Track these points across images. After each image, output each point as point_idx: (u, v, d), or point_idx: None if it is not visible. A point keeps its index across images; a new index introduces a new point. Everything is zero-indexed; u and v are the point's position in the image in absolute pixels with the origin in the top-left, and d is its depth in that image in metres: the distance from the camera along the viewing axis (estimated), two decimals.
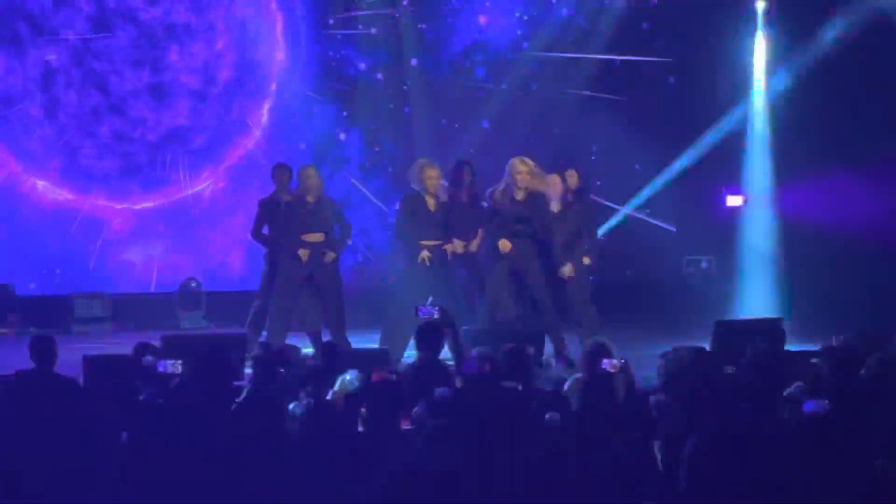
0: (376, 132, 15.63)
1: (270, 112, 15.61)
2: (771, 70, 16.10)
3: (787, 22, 15.81)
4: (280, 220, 12.52)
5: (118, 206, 15.71)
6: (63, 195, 15.60)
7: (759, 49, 16.18)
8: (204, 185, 15.64)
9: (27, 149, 15.49)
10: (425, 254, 12.12)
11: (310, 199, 12.38)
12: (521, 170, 12.25)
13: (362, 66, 15.55)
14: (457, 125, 15.65)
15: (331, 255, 12.44)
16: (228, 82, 15.46)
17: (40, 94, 15.45)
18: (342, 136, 15.64)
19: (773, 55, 16.05)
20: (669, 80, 16.12)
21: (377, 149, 15.63)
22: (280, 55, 15.58)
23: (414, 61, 15.49)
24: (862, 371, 8.46)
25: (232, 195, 15.45)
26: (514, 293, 12.44)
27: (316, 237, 12.39)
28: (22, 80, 15.41)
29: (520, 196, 12.29)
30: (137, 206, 15.70)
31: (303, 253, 12.29)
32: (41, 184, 15.50)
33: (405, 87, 15.58)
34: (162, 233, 15.68)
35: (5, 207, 15.55)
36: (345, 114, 15.62)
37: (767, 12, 15.94)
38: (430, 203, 12.27)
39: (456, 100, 15.66)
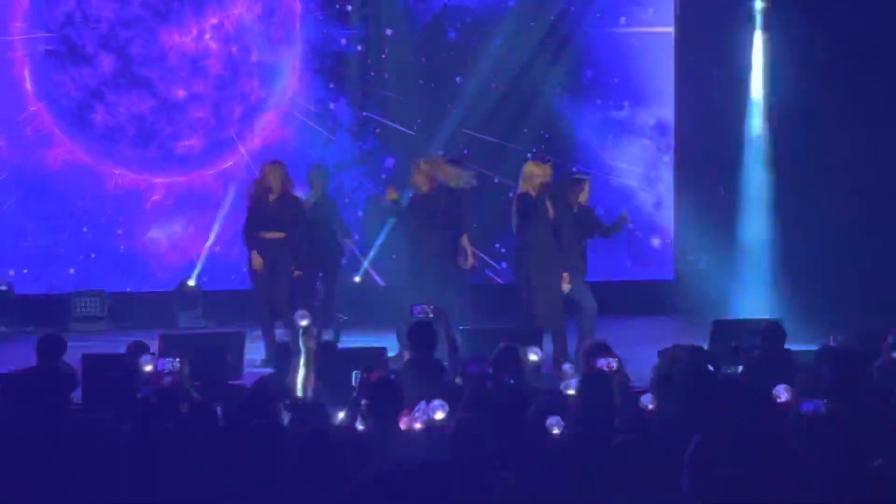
0: (361, 99, 16.38)
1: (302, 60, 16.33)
2: (769, 69, 16.09)
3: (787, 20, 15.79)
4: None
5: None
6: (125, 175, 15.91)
7: (758, 48, 16.16)
8: (261, 135, 16.16)
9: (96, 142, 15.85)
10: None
11: (272, 197, 12.56)
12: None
13: (343, 41, 16.25)
14: (433, 84, 16.36)
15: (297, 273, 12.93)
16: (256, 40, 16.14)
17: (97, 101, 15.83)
18: (331, 106, 16.28)
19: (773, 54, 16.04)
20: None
21: (364, 114, 16.33)
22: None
23: (389, 31, 16.27)
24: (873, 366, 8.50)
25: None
26: None
27: (275, 235, 12.51)
28: (80, 88, 15.76)
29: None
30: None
31: (256, 262, 12.72)
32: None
33: (383, 56, 16.30)
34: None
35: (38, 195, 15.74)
36: (331, 86, 16.23)
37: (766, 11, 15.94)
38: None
39: (430, 62, 16.35)
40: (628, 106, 16.67)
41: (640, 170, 16.75)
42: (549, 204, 12.38)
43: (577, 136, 16.53)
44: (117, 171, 15.90)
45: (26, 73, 15.71)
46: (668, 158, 16.76)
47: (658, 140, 16.76)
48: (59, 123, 15.78)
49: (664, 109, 16.70)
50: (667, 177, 16.81)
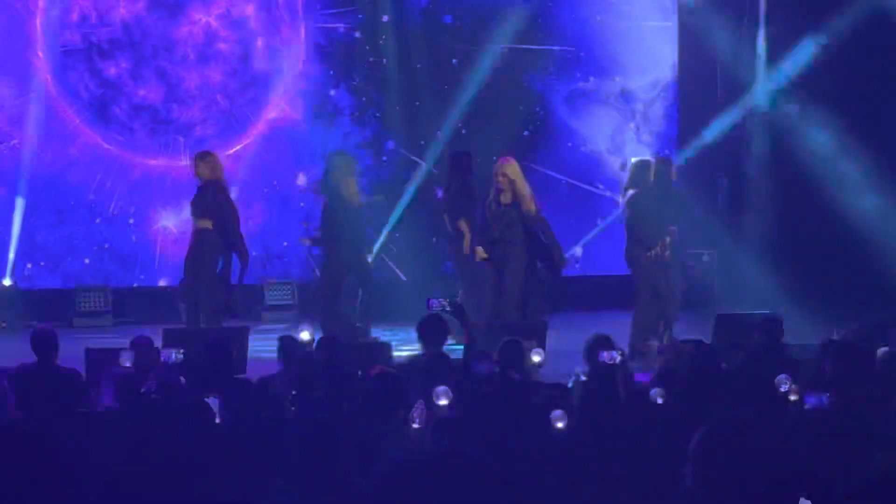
0: (361, 84, 16.68)
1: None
2: (772, 66, 16.11)
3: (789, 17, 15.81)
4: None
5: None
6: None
7: (761, 44, 16.18)
8: (274, 114, 16.48)
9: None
10: None
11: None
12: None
13: (341, 28, 16.63)
14: (431, 67, 16.75)
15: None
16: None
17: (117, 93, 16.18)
18: (332, 93, 16.65)
19: (775, 51, 16.07)
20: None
21: (364, 99, 16.65)
22: None
23: (385, 17, 16.64)
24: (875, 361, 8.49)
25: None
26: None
27: (200, 224, 12.39)
28: (96, 82, 16.11)
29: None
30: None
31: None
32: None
33: (381, 42, 16.63)
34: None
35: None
36: (331, 72, 16.57)
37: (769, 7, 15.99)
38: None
39: (427, 46, 16.70)
40: (620, 80, 16.84)
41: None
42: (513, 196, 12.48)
43: (565, 112, 16.75)
44: (133, 160, 16.10)
45: (45, 71, 15.89)
46: (634, 125, 16.94)
47: (623, 109, 16.93)
48: (78, 117, 15.99)
49: (635, 79, 16.90)
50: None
